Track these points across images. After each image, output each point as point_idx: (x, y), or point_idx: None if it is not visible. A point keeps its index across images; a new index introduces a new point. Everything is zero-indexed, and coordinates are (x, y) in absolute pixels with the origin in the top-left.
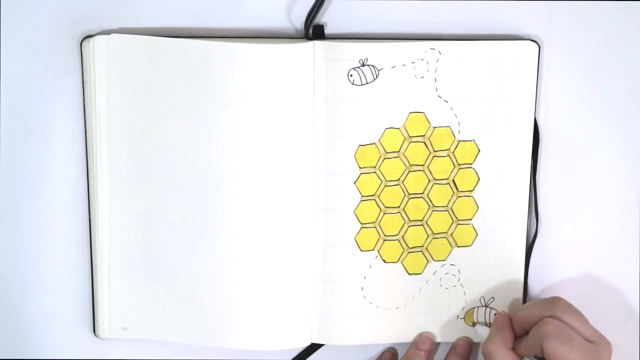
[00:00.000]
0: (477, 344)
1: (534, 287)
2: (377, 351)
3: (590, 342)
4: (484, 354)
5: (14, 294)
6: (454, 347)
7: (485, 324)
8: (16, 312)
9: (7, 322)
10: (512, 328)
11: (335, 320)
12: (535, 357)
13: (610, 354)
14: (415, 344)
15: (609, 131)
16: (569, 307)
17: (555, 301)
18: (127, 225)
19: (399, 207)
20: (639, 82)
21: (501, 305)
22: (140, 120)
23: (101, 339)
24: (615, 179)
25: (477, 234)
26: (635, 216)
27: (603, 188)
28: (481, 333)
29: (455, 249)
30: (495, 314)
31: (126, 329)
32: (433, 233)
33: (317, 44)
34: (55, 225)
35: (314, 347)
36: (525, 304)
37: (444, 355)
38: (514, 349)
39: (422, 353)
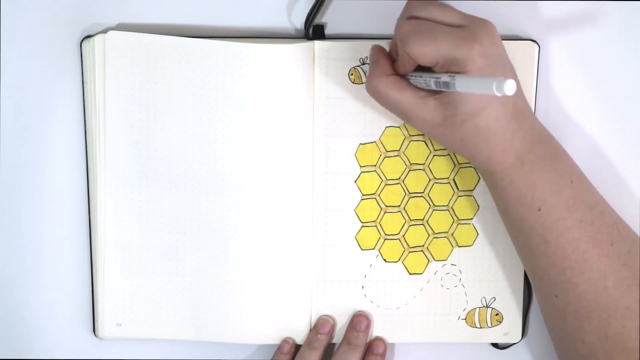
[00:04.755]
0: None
1: None
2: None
3: (459, 26)
4: (371, 95)
5: (15, 293)
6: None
7: (486, 323)
8: (16, 312)
9: (8, 322)
10: (389, 56)
11: (336, 319)
12: (418, 69)
13: (491, 32)
14: (314, 329)
15: (609, 131)
16: (424, 3)
17: (407, 4)
18: (124, 222)
19: (399, 206)
20: (639, 82)
21: (502, 305)
22: (139, 118)
23: (101, 339)
24: (615, 179)
25: (477, 234)
26: (636, 216)
27: (603, 188)
28: None
29: (456, 249)
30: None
31: (120, 324)
32: (434, 232)
33: (317, 43)
34: (55, 225)
35: None
36: None
37: (444, 356)
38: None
39: (323, 337)
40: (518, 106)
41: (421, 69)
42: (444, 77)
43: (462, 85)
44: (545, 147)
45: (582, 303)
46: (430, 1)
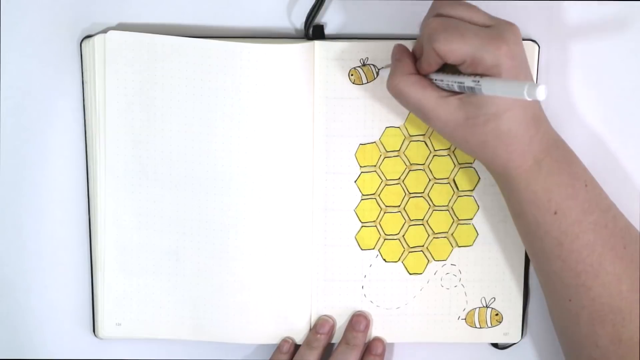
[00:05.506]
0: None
1: (535, 287)
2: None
3: (487, 27)
4: (392, 94)
5: (15, 293)
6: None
7: (486, 323)
8: (17, 312)
9: (8, 322)
10: (412, 55)
11: (336, 319)
12: (440, 70)
13: (517, 34)
14: (314, 329)
15: (609, 131)
16: (451, 2)
17: (433, 2)
18: (124, 222)
19: (399, 206)
20: (639, 82)
21: (502, 305)
22: (139, 118)
23: (101, 338)
24: (616, 179)
25: (477, 234)
26: (636, 216)
27: (604, 188)
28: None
29: (456, 249)
30: None
31: (120, 324)
32: (434, 233)
33: (317, 43)
34: (55, 225)
35: None
36: None
37: (444, 356)
38: (420, 74)
39: (322, 337)
40: (536, 110)
41: (444, 70)
42: (468, 82)
43: (488, 88)
44: (560, 151)
45: (596, 307)
46: (457, 0)
